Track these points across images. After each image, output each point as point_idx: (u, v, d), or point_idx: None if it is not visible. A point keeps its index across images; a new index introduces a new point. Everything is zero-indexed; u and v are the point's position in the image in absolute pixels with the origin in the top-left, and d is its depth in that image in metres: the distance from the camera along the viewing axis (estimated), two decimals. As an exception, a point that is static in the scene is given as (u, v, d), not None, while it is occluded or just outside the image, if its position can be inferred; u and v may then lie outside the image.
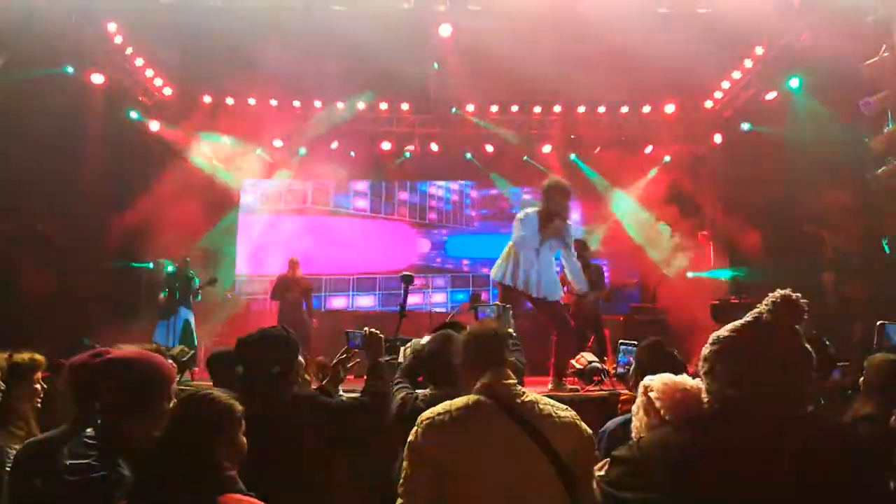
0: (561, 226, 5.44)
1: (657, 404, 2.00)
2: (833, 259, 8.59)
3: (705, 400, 1.80)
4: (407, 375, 3.18)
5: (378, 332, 3.30)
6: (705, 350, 1.78)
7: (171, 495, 1.81)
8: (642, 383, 2.15)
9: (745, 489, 1.55)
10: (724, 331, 1.77)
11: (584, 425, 2.18)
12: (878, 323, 2.03)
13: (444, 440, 2.09)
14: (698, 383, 1.91)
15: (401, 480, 2.13)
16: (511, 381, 2.24)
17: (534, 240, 5.43)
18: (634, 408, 2.18)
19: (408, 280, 4.54)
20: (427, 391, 2.92)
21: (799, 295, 1.69)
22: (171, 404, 2.16)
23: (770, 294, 1.70)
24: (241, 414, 2.01)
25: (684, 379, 2.03)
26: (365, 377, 3.19)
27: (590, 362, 5.20)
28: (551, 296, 5.51)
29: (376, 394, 3.03)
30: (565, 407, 2.22)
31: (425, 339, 3.37)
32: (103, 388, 2.27)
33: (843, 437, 1.78)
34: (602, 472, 1.96)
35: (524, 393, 2.23)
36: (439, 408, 2.17)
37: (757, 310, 1.72)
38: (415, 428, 2.15)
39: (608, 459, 1.85)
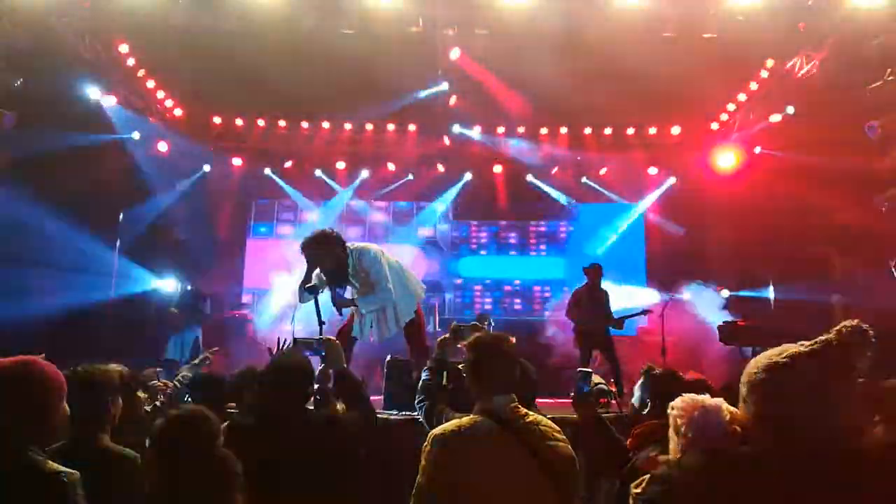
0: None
1: (678, 421, 1.99)
2: (841, 281, 8.56)
3: (727, 418, 1.79)
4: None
5: (334, 338, 3.29)
6: (754, 375, 1.64)
7: None
8: (671, 404, 2.11)
9: None
10: (777, 357, 1.63)
11: (570, 447, 2.38)
12: None
13: (453, 455, 2.25)
14: (719, 401, 1.90)
15: (413, 492, 2.27)
16: (514, 403, 2.39)
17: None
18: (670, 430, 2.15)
19: (313, 290, 4.57)
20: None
21: (868, 326, 1.60)
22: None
23: (842, 323, 1.61)
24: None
25: (705, 397, 2.01)
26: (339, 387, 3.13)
27: (595, 384, 5.18)
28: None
29: (366, 400, 3.04)
30: (558, 429, 2.42)
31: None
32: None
33: None
34: (639, 490, 1.95)
35: (526, 414, 2.38)
36: (450, 425, 2.34)
37: (824, 338, 1.62)
38: (427, 443, 2.32)
39: (647, 476, 1.84)
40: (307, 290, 4.57)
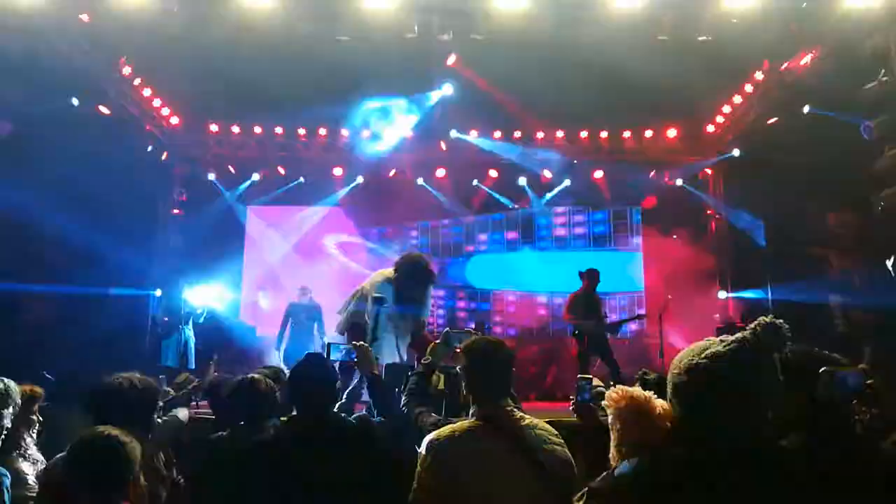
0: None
1: (608, 411, 1.97)
2: (839, 281, 8.55)
3: (657, 412, 1.77)
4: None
5: (366, 343, 3.31)
6: (678, 378, 1.63)
7: None
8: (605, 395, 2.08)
9: None
10: (697, 357, 1.60)
11: (567, 451, 2.36)
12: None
13: (449, 461, 2.24)
14: (648, 394, 1.87)
15: (409, 498, 2.26)
16: (510, 406, 2.40)
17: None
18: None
19: (382, 302, 4.46)
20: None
21: (782, 321, 1.58)
22: None
23: (758, 319, 1.59)
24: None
25: (635, 388, 1.97)
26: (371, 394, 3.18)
27: (595, 387, 5.15)
28: None
29: (394, 406, 3.06)
30: (556, 432, 2.41)
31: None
32: None
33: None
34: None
35: (522, 418, 2.38)
36: (446, 430, 2.33)
37: (740, 336, 1.59)
38: (422, 449, 2.31)
39: (585, 491, 1.82)
40: (376, 302, 4.50)
